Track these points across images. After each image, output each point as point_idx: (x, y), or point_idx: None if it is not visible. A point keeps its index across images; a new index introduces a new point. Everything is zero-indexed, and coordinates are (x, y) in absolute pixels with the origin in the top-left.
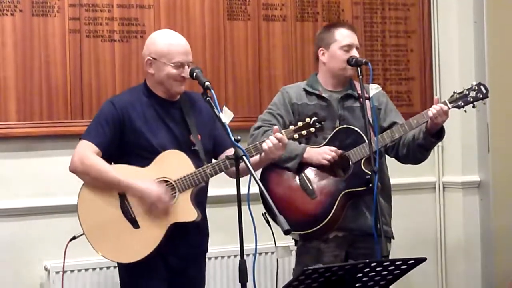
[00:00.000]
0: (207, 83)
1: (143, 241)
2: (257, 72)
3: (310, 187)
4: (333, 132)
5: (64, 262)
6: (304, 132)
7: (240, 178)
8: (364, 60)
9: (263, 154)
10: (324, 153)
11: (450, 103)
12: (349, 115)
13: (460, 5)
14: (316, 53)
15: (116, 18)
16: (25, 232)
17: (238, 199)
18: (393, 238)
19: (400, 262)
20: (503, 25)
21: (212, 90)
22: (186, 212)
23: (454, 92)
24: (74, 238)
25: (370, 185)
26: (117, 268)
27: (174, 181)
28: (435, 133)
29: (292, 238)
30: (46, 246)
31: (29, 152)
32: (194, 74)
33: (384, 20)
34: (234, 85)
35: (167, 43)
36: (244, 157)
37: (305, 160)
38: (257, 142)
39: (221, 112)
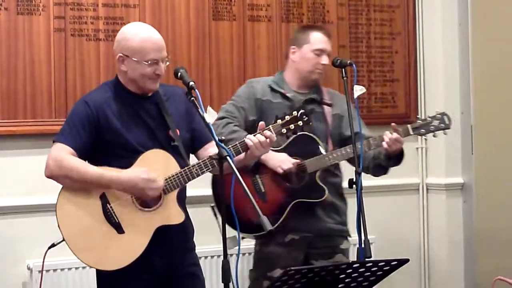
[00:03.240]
0: (191, 83)
1: (129, 247)
2: (242, 72)
3: (263, 190)
4: (293, 137)
5: (42, 268)
6: (291, 126)
7: None
8: (348, 62)
9: (248, 152)
10: (283, 163)
11: (412, 129)
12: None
13: (445, 7)
14: (287, 51)
15: (101, 17)
16: (8, 231)
17: (221, 199)
18: (350, 236)
19: (383, 263)
20: (488, 27)
21: (196, 90)
22: (173, 214)
23: (417, 118)
24: (53, 245)
25: (322, 198)
26: None
27: None
28: (395, 156)
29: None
30: (29, 245)
31: (12, 151)
32: (179, 74)
33: (369, 22)
34: (218, 85)
35: (139, 39)
36: (228, 157)
37: (261, 161)
38: (237, 142)
39: (206, 112)
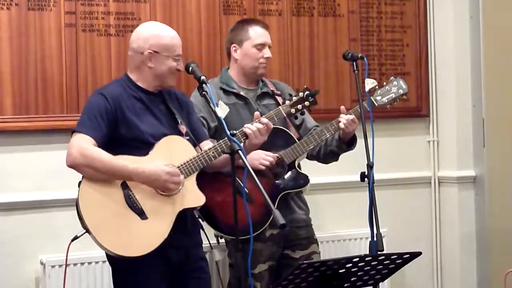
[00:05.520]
0: (203, 78)
1: (153, 231)
2: None
3: (246, 191)
4: None
5: (66, 262)
6: (299, 106)
7: None
8: (360, 55)
9: (247, 141)
10: (261, 158)
11: (375, 101)
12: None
13: (456, 0)
14: (228, 48)
15: (112, 12)
16: (20, 226)
17: (234, 194)
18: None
19: (395, 256)
20: (499, 20)
21: (208, 84)
22: (194, 197)
23: (375, 89)
24: (76, 238)
25: (308, 184)
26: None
27: (178, 167)
28: (348, 141)
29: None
30: (41, 240)
31: (25, 146)
32: (190, 68)
33: (380, 15)
34: None
35: (169, 36)
36: (239, 151)
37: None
38: (243, 128)
39: (217, 106)
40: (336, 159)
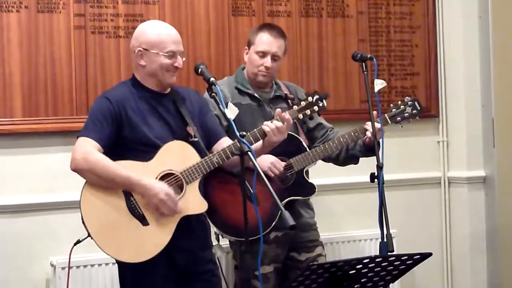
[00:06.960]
0: (212, 79)
1: (155, 237)
2: None
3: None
4: None
5: (69, 265)
6: (307, 112)
7: None
8: (369, 56)
9: (265, 139)
10: (273, 165)
11: (390, 118)
12: None
13: (464, 0)
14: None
15: (121, 14)
16: (31, 228)
17: (243, 195)
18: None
19: (406, 257)
20: (508, 20)
21: (217, 85)
22: (196, 204)
23: (391, 106)
24: (78, 242)
25: (313, 194)
26: None
27: (180, 173)
28: (373, 147)
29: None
30: (51, 242)
31: (35, 149)
32: (199, 70)
33: (389, 15)
34: None
35: (157, 32)
36: (249, 153)
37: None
38: (255, 130)
39: (226, 108)
40: (356, 163)
